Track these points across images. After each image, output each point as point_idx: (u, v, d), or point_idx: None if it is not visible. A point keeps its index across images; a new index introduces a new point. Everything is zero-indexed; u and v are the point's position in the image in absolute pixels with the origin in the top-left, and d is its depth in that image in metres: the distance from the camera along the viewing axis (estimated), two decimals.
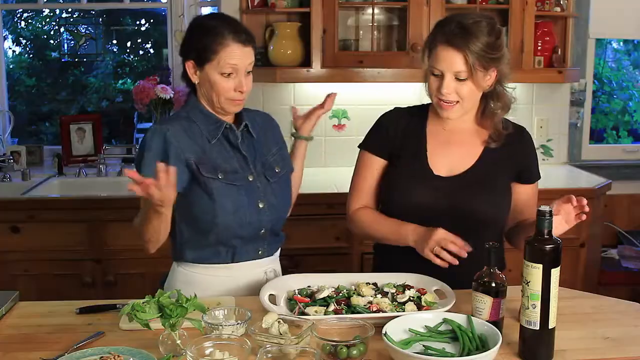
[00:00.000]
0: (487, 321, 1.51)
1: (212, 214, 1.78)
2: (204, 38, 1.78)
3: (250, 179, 1.85)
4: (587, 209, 1.67)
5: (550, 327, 1.44)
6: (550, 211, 1.42)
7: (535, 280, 1.42)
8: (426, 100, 1.93)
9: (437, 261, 1.73)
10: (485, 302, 1.52)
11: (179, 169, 1.66)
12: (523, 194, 1.94)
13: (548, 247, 1.41)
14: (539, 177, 1.99)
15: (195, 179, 1.78)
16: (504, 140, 1.89)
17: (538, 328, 1.43)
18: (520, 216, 1.94)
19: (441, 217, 1.83)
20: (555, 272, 1.42)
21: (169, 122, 1.85)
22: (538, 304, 1.42)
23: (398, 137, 1.95)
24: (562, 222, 1.70)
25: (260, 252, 1.89)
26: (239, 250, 1.85)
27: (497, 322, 1.52)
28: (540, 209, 1.43)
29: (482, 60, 1.75)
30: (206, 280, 1.84)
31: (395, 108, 2.03)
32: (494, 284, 1.52)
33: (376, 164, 1.98)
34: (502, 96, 1.87)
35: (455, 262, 1.71)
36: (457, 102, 1.81)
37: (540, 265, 1.41)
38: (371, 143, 1.99)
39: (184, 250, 1.86)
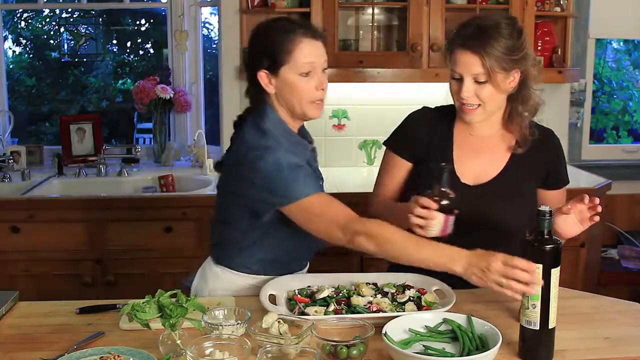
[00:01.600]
0: (438, 236, 1.60)
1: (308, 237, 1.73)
2: (274, 41, 1.70)
3: None
4: (599, 208, 1.67)
5: (550, 327, 1.44)
6: (551, 211, 1.42)
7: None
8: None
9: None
10: (437, 219, 1.61)
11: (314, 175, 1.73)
12: (550, 199, 1.90)
13: (548, 247, 1.41)
14: (567, 182, 1.95)
15: None
16: (531, 144, 1.86)
17: (538, 328, 1.43)
18: None
19: (467, 225, 1.79)
20: (555, 272, 1.42)
21: (275, 146, 1.70)
22: (538, 304, 1.42)
23: (424, 141, 1.91)
24: (577, 223, 1.71)
25: (302, 263, 1.93)
26: (295, 266, 1.88)
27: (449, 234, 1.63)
28: (540, 209, 1.43)
29: (501, 62, 1.72)
30: (249, 285, 1.83)
31: (423, 108, 1.98)
32: (444, 202, 1.62)
33: (400, 165, 1.94)
34: (528, 99, 1.82)
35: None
36: (479, 105, 1.78)
37: (540, 266, 1.41)
38: (396, 144, 1.96)
39: (249, 260, 1.82)
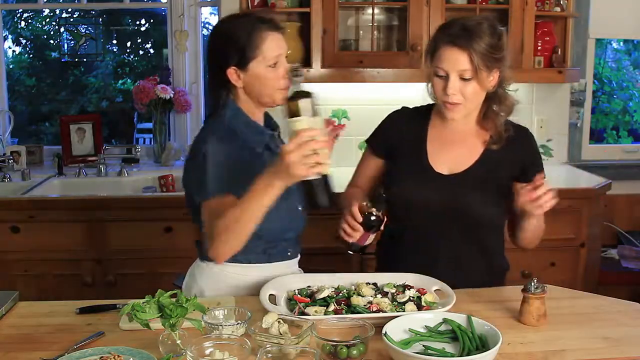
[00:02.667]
0: (354, 242, 1.79)
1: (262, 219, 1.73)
2: (240, 37, 1.76)
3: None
4: (543, 200, 1.71)
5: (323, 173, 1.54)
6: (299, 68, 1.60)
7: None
8: (429, 100, 1.94)
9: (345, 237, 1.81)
10: (359, 230, 1.77)
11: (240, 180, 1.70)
12: None
13: (302, 99, 1.55)
14: (543, 176, 1.98)
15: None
16: (506, 141, 1.90)
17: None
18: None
19: (440, 214, 1.85)
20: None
21: (220, 138, 1.77)
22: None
23: (397, 137, 1.98)
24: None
25: (289, 253, 1.92)
26: (274, 252, 1.87)
27: (363, 246, 1.82)
28: (292, 67, 1.61)
29: (485, 60, 1.76)
30: (237, 279, 1.84)
31: (402, 107, 2.06)
32: (371, 218, 1.77)
33: (373, 161, 2.05)
34: (504, 99, 1.88)
35: (357, 227, 1.77)
36: (461, 103, 1.82)
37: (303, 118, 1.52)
38: (372, 140, 2.07)
39: None
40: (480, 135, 1.92)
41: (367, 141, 2.09)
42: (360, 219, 1.76)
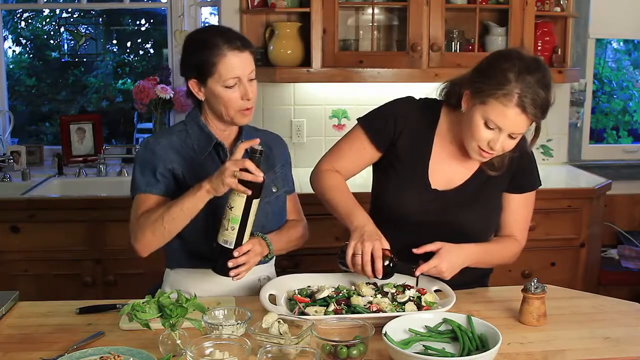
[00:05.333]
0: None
1: (197, 227, 1.74)
2: (199, 53, 1.75)
3: None
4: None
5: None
6: (261, 151, 1.59)
7: (238, 207, 1.60)
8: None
9: (350, 267, 1.69)
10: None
11: (165, 176, 1.78)
12: (513, 203, 1.89)
13: (254, 181, 1.57)
14: (534, 187, 1.92)
15: (184, 188, 1.75)
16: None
17: (232, 247, 1.63)
18: (504, 230, 1.91)
19: (430, 227, 1.80)
20: (254, 203, 1.60)
21: (162, 135, 1.86)
22: (237, 227, 1.61)
23: (403, 136, 1.87)
24: None
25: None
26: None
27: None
28: (253, 147, 1.59)
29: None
30: (202, 285, 1.83)
31: (408, 98, 1.95)
32: (391, 271, 1.67)
33: (369, 149, 1.90)
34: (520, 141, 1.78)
35: (371, 275, 1.67)
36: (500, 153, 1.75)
37: (245, 195, 1.58)
38: (373, 128, 1.90)
39: (181, 256, 1.85)
40: None
41: (364, 125, 1.92)
42: (381, 275, 1.66)
